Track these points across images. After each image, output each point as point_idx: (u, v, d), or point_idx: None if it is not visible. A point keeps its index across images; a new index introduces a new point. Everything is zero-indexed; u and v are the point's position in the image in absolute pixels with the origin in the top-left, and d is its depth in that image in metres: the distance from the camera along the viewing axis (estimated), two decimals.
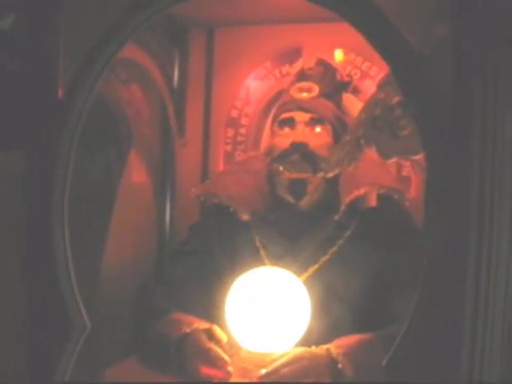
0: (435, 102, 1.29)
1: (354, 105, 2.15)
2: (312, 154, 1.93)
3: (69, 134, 1.48)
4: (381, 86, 1.47)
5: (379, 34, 1.29)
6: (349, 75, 2.21)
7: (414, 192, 2.16)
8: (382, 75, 1.58)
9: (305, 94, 2.01)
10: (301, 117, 1.98)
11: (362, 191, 1.91)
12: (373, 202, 1.95)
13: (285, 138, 1.97)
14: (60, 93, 1.51)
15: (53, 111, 1.51)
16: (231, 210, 1.98)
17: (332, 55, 2.24)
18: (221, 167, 2.36)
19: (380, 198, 1.94)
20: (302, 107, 1.98)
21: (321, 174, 1.90)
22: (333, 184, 1.96)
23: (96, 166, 2.08)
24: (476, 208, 1.26)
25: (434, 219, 1.28)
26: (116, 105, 2.16)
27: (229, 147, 2.36)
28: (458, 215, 1.27)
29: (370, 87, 2.23)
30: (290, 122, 1.98)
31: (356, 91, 2.22)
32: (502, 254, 1.30)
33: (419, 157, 1.39)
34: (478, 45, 1.26)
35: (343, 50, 2.25)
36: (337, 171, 1.71)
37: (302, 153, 1.92)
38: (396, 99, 1.42)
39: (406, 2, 1.28)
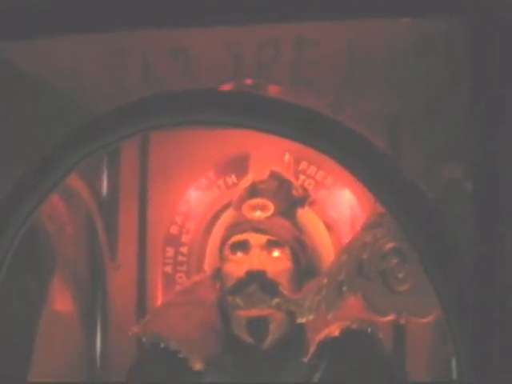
0: (451, 253, 1.07)
1: (310, 220, 1.98)
2: (271, 283, 1.73)
3: None
4: (367, 228, 1.23)
5: (378, 172, 1.07)
6: (303, 187, 1.99)
7: None
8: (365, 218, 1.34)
9: (258, 213, 1.83)
10: (256, 239, 1.79)
11: (332, 329, 1.69)
12: (342, 336, 1.73)
13: (238, 265, 1.78)
14: None
15: None
16: (180, 356, 1.74)
17: (282, 164, 2.03)
18: (160, 292, 2.11)
19: (352, 332, 1.73)
20: (257, 228, 1.80)
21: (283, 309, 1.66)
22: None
23: (11, 296, 1.80)
24: None
25: None
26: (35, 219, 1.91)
27: (169, 268, 2.12)
28: None
29: (325, 198, 2.07)
30: (244, 246, 1.80)
31: (311, 203, 2.01)
32: None
33: (428, 319, 1.15)
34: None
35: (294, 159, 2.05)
36: (310, 317, 1.46)
37: (259, 283, 1.73)
38: (390, 245, 1.19)
39: (409, 138, 1.08)
